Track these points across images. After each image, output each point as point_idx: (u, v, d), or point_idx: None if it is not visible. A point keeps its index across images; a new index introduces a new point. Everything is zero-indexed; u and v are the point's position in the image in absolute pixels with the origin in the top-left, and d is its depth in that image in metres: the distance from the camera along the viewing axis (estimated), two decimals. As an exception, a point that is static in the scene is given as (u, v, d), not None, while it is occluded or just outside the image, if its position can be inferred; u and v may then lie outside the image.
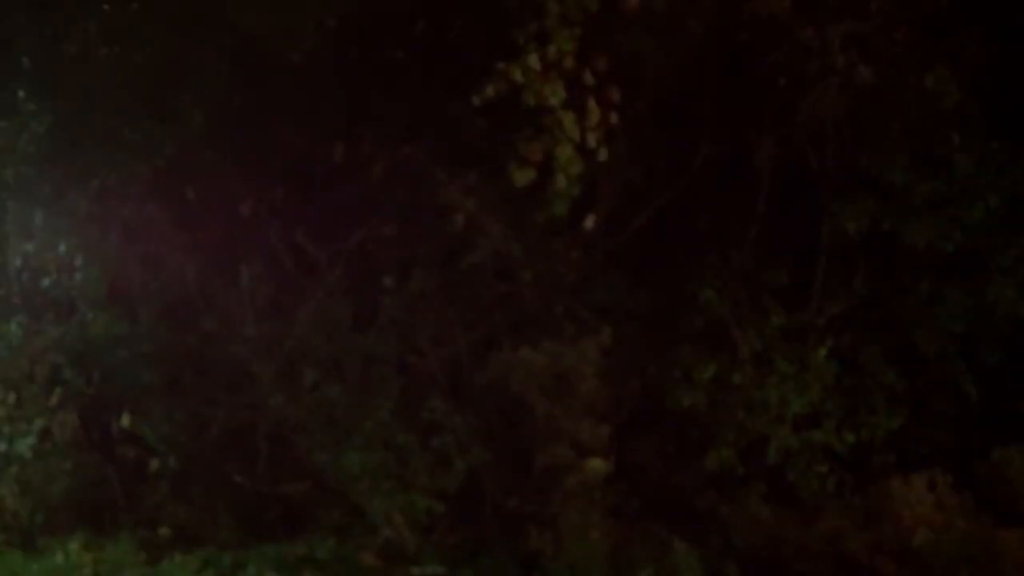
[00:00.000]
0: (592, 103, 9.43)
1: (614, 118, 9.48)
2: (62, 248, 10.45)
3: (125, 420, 10.40)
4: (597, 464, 9.65)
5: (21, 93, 10.07)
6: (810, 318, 9.99)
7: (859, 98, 9.79)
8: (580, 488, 9.68)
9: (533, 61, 9.34)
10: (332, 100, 10.33)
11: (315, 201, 10.39)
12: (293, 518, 10.27)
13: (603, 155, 9.50)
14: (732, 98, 10.04)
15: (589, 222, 9.94)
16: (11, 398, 10.39)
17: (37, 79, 9.99)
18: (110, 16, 10.01)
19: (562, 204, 9.59)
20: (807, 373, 9.78)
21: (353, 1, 9.88)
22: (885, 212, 9.83)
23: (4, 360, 10.42)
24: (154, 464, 10.40)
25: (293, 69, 10.06)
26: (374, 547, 9.86)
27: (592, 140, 9.46)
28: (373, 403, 9.96)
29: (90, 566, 9.78)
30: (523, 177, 9.50)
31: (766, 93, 10.00)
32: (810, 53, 9.77)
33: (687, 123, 10.14)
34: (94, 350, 10.41)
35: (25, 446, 10.29)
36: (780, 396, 9.77)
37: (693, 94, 10.06)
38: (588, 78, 9.41)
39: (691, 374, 9.98)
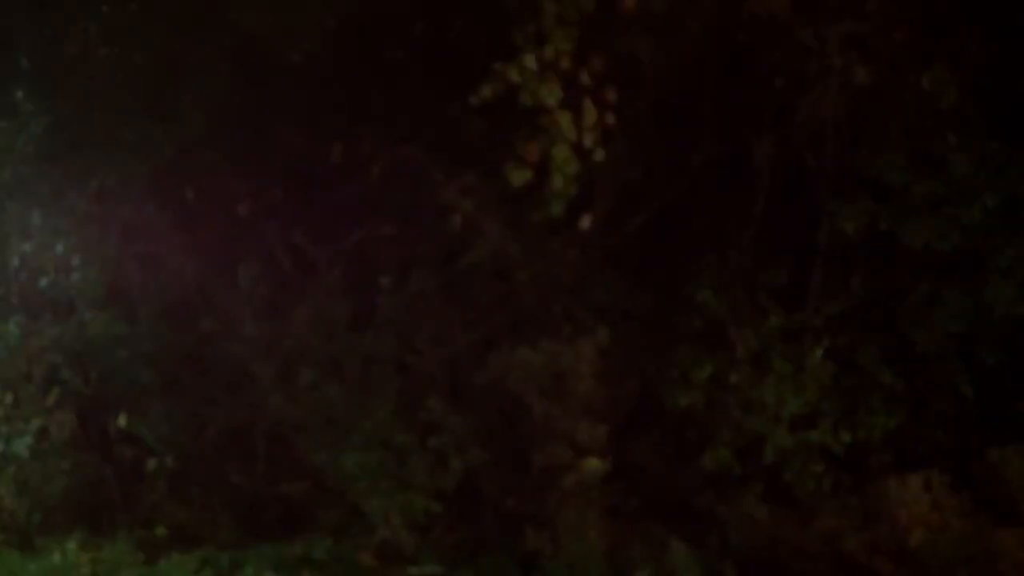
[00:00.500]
0: (589, 103, 9.42)
1: (611, 118, 9.47)
2: (60, 248, 10.44)
3: (123, 420, 10.41)
4: (595, 464, 9.65)
5: (20, 93, 10.10)
6: (808, 318, 9.96)
7: (857, 98, 9.76)
8: (578, 488, 9.68)
9: (530, 61, 9.34)
10: (331, 100, 10.35)
11: (314, 201, 10.41)
12: (291, 518, 10.28)
13: (600, 155, 9.49)
14: (730, 98, 10.04)
15: (586, 222, 9.92)
16: (8, 398, 10.39)
17: (36, 79, 10.02)
18: (109, 16, 10.03)
19: (559, 204, 9.59)
20: (804, 373, 9.76)
21: (353, 2, 9.89)
22: (883, 212, 9.81)
23: (2, 360, 10.42)
24: (152, 464, 10.41)
25: (292, 69, 10.08)
26: (372, 547, 9.87)
27: (589, 140, 9.45)
28: (371, 403, 9.98)
29: (88, 566, 9.78)
30: (520, 177, 9.50)
31: (764, 93, 9.99)
32: (809, 53, 9.75)
33: (685, 123, 10.15)
34: (92, 350, 10.42)
35: (22, 446, 10.30)
36: (777, 396, 9.74)
37: (691, 94, 10.06)
38: (585, 78, 9.40)
39: (688, 374, 9.96)
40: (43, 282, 10.54)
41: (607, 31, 9.52)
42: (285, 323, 10.23)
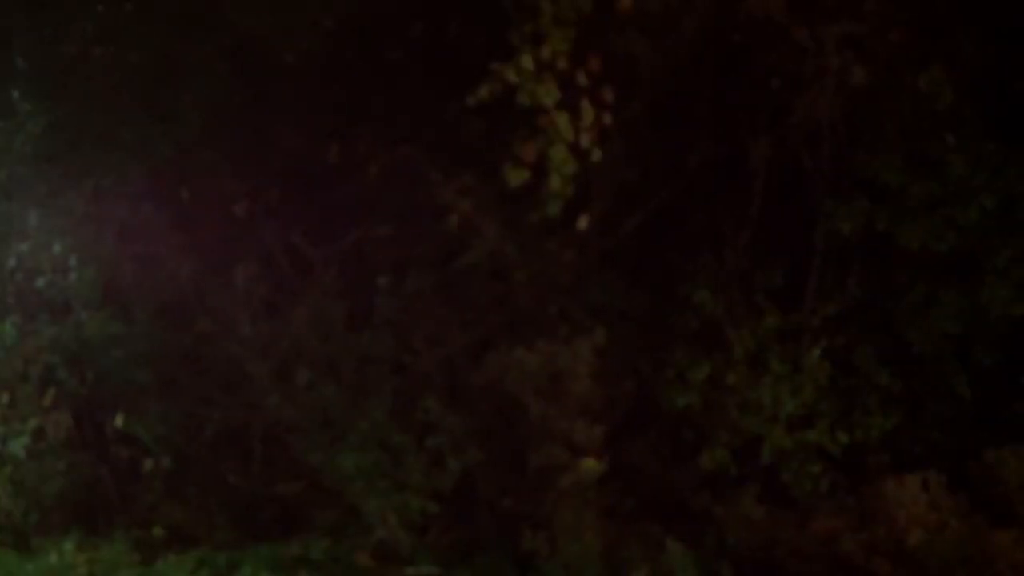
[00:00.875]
0: (586, 104, 9.40)
1: (608, 119, 9.44)
2: (57, 248, 10.45)
3: (119, 420, 10.41)
4: (591, 464, 9.65)
5: (17, 93, 10.08)
6: (804, 319, 9.99)
7: (854, 99, 9.76)
8: (574, 488, 9.68)
9: (527, 62, 9.31)
10: (329, 101, 10.34)
11: (311, 201, 10.41)
12: (288, 518, 10.29)
13: (597, 156, 9.46)
14: (727, 99, 10.05)
15: (583, 223, 9.90)
16: (5, 398, 10.41)
17: (33, 79, 10.01)
18: (107, 16, 10.01)
19: (556, 205, 9.56)
20: (801, 374, 9.78)
21: (351, 2, 9.88)
22: (879, 213, 9.83)
23: (-1, 360, 10.48)
24: (148, 464, 10.42)
25: (290, 70, 10.07)
26: (369, 547, 9.87)
27: (586, 141, 9.42)
28: (368, 403, 9.97)
29: (84, 566, 9.79)
30: (517, 177, 9.48)
31: (761, 94, 9.99)
32: (805, 54, 9.74)
33: (682, 124, 10.15)
34: (89, 350, 10.42)
35: (19, 446, 10.32)
36: (774, 396, 9.76)
37: (688, 95, 10.07)
38: (582, 79, 9.38)
39: (685, 374, 9.98)
40: (40, 282, 10.55)
41: (604, 31, 9.51)
42: (282, 323, 10.22)
